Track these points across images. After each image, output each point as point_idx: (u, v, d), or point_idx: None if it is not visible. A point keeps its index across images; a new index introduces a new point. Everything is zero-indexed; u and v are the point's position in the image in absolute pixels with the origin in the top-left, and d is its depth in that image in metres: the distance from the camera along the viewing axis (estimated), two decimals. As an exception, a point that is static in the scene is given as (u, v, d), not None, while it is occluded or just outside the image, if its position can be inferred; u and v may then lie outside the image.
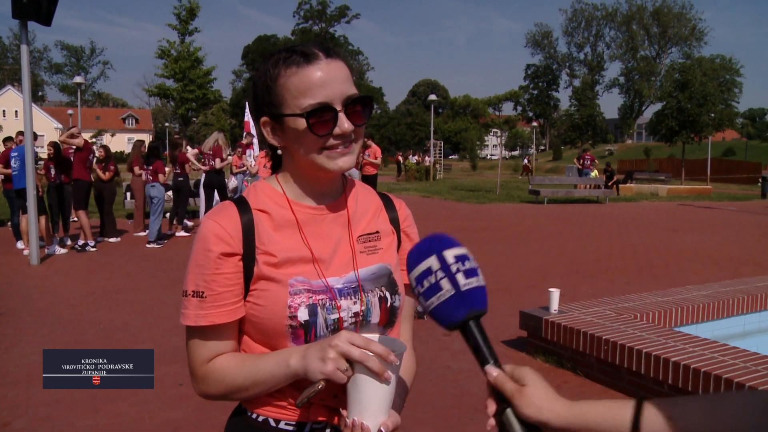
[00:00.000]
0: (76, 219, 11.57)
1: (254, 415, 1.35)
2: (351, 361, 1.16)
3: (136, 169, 12.78)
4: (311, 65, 1.26)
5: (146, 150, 12.51)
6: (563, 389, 4.68)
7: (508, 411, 1.07)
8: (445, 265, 1.13)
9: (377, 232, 1.42)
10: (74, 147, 10.98)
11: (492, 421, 1.11)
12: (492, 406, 1.10)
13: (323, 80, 1.25)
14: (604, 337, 4.71)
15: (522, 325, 5.57)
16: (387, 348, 1.16)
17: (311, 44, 1.31)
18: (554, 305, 5.39)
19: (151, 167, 11.99)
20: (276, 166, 1.44)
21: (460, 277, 1.12)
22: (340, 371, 1.14)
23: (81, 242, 10.93)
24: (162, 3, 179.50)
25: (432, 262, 1.13)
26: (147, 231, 12.74)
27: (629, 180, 33.07)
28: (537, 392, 1.05)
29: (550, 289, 5.48)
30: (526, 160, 45.09)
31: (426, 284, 1.13)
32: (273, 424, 1.33)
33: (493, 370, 1.09)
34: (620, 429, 0.98)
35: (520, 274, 9.11)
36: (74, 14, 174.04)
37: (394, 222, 1.48)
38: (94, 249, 10.83)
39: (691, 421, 0.90)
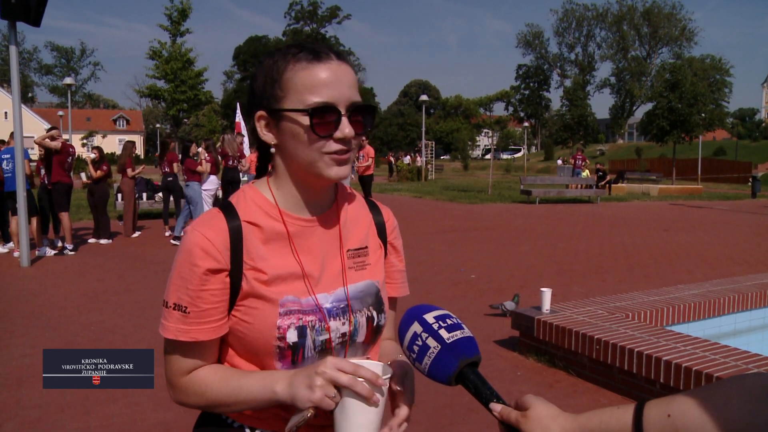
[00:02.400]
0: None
1: (229, 420, 1.33)
2: (338, 387, 1.15)
3: (129, 171, 12.76)
4: (321, 63, 1.23)
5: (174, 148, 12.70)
6: (555, 389, 4.69)
7: None
8: (427, 326, 1.19)
9: (366, 247, 1.40)
10: (51, 149, 10.75)
11: None
12: None
13: (331, 80, 1.22)
14: (596, 337, 4.72)
15: (514, 325, 5.57)
16: (375, 372, 1.16)
17: (320, 45, 1.28)
18: (546, 305, 5.40)
19: (183, 166, 12.03)
20: (262, 169, 1.39)
21: (444, 333, 1.18)
22: (328, 398, 1.14)
23: (62, 245, 10.83)
24: (153, 4, 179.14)
25: (416, 327, 1.20)
26: (138, 233, 12.93)
27: (621, 180, 33.18)
28: (541, 413, 1.08)
29: (542, 289, 5.49)
30: (560, 161, 41.69)
31: (416, 348, 1.19)
32: None
33: (496, 406, 1.13)
34: None
35: (511, 274, 9.13)
36: (64, 15, 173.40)
37: (381, 234, 1.46)
38: (72, 253, 10.69)
39: (691, 416, 0.90)
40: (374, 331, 1.36)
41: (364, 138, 16.06)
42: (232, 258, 1.24)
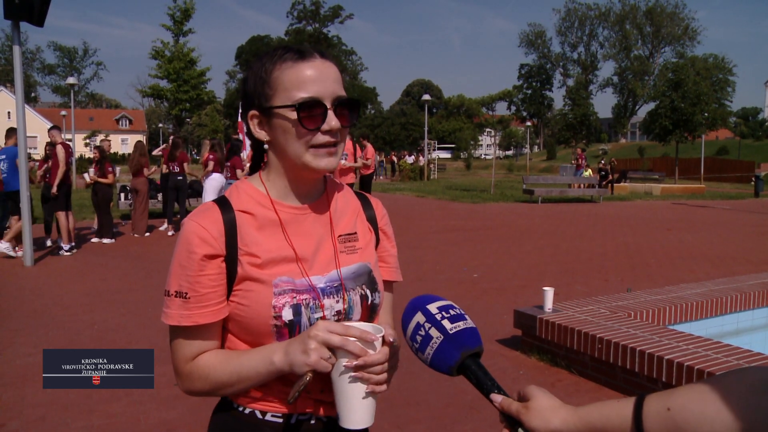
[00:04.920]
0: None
1: (240, 408, 1.37)
2: (333, 350, 1.19)
3: (146, 170, 12.82)
4: (306, 61, 1.31)
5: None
6: (557, 388, 4.70)
7: (520, 430, 1.10)
8: (430, 317, 1.20)
9: (355, 232, 1.45)
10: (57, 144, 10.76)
11: None
12: None
13: (316, 77, 1.30)
14: (598, 336, 4.72)
15: (516, 324, 5.58)
16: (364, 329, 1.20)
17: (306, 45, 1.35)
18: (548, 304, 5.41)
19: (228, 163, 12.08)
20: (256, 165, 1.46)
21: (446, 323, 1.19)
22: (323, 360, 1.17)
23: (63, 245, 10.84)
24: (156, 4, 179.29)
25: (419, 317, 1.22)
26: (148, 233, 12.93)
27: (623, 179, 33.13)
28: (542, 404, 1.08)
29: (545, 288, 5.50)
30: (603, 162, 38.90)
31: (419, 338, 1.20)
32: (259, 416, 1.35)
33: (497, 397, 1.14)
34: (624, 426, 0.99)
35: (514, 273, 9.13)
36: (67, 15, 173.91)
37: (372, 221, 1.52)
38: (68, 253, 10.63)
39: (690, 409, 0.91)
40: (369, 309, 1.40)
41: (364, 139, 16.17)
42: (227, 244, 1.31)
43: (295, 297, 1.29)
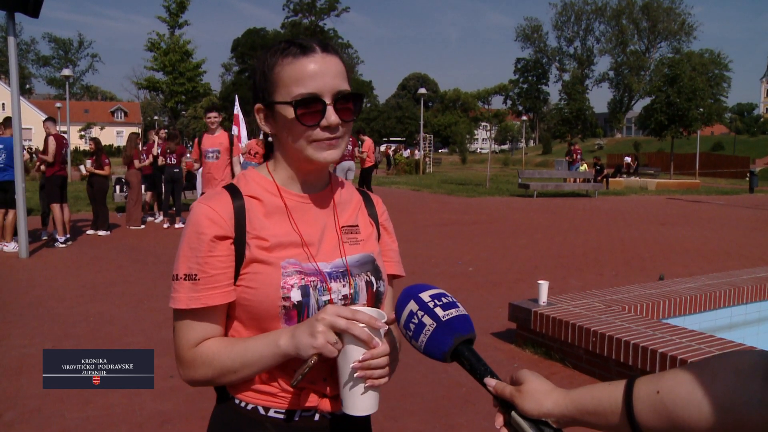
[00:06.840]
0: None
1: (243, 403, 1.35)
2: (339, 334, 1.20)
3: (136, 162, 12.76)
4: (306, 57, 1.30)
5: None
6: (551, 380, 4.69)
7: (513, 413, 1.11)
8: (423, 305, 1.22)
9: (357, 225, 1.47)
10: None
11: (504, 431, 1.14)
12: (500, 418, 1.15)
13: (316, 72, 1.29)
14: (592, 329, 4.74)
15: (511, 317, 5.60)
16: (372, 315, 1.21)
17: (310, 39, 1.35)
18: (543, 297, 5.43)
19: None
20: (268, 154, 1.48)
21: (439, 311, 1.20)
22: (329, 344, 1.18)
23: (58, 237, 10.80)
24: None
25: (412, 305, 1.23)
26: (143, 226, 12.92)
27: (618, 174, 33.19)
28: (534, 387, 1.10)
29: (539, 282, 5.51)
30: (628, 158, 36.42)
31: (412, 326, 1.21)
32: (262, 412, 1.34)
33: (491, 381, 1.16)
34: (614, 409, 1.00)
35: (509, 267, 9.15)
36: (62, 6, 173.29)
37: (373, 217, 1.54)
38: (63, 245, 10.58)
39: (678, 392, 0.92)
40: (375, 297, 1.42)
41: (361, 134, 16.31)
42: (236, 227, 1.31)
43: (303, 278, 1.30)
